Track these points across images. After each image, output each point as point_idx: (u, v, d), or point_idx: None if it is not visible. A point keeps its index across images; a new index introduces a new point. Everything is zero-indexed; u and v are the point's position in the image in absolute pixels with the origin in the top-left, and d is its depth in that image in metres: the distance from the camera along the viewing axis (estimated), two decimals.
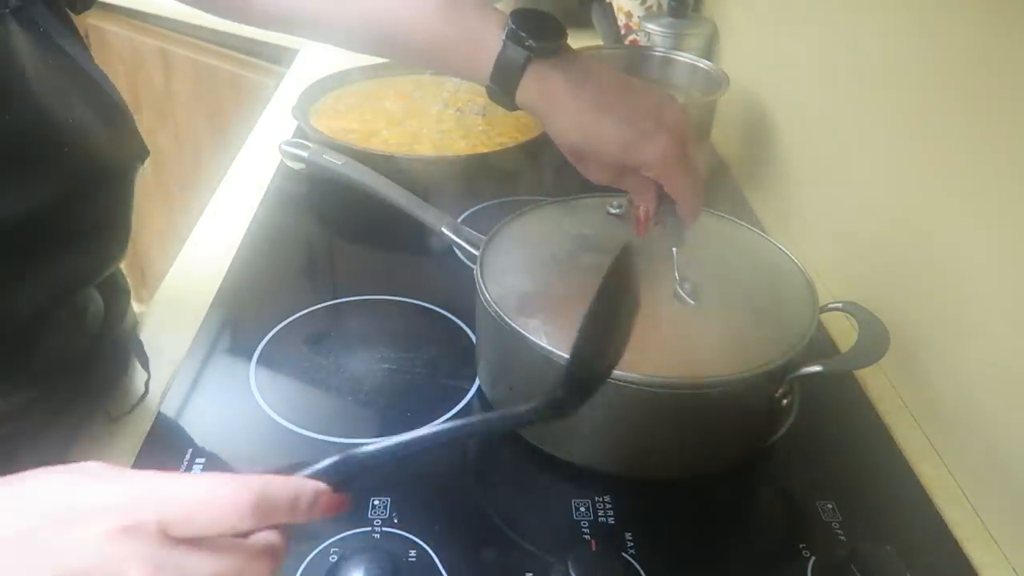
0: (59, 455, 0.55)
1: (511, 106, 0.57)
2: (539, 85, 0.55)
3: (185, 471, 0.54)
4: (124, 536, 0.28)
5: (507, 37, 0.54)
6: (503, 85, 0.55)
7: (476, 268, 0.58)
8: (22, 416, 0.51)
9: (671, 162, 0.54)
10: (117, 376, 0.60)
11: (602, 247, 0.61)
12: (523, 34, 0.53)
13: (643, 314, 0.56)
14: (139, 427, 0.58)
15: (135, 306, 0.66)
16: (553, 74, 0.55)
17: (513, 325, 0.53)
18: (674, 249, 0.57)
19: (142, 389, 0.60)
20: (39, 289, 0.49)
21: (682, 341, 0.54)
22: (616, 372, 0.59)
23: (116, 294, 0.60)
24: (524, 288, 0.57)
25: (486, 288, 0.56)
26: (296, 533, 0.47)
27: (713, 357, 0.52)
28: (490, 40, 0.55)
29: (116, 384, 0.60)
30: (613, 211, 0.64)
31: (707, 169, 0.61)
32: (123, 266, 0.60)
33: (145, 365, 0.59)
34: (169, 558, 0.29)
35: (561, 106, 0.55)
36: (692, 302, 0.55)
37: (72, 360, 0.54)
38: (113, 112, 0.51)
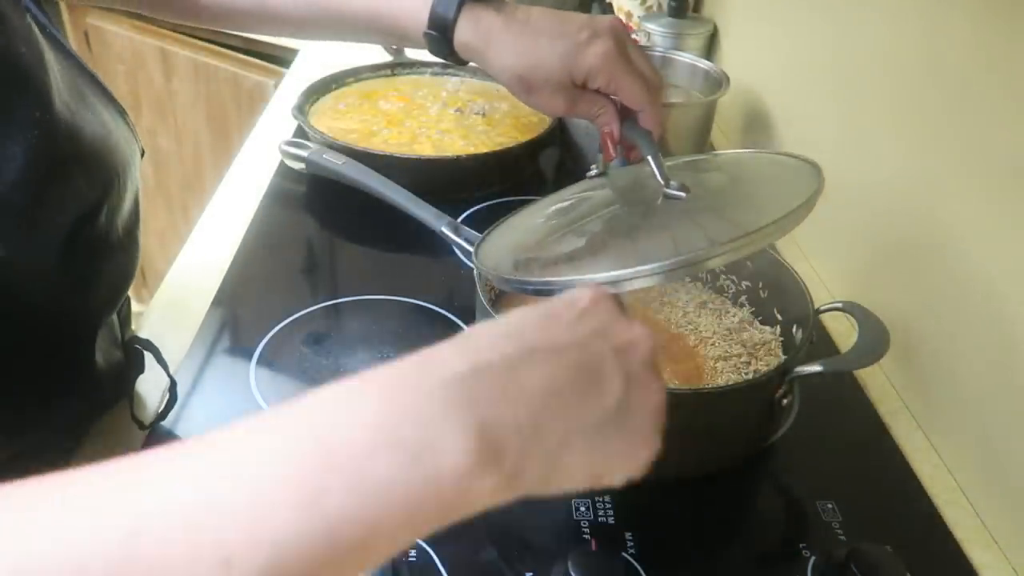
0: (62, 455, 0.55)
1: (450, 52, 0.60)
2: (474, 24, 0.59)
3: None
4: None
5: None
6: (440, 30, 0.59)
7: (475, 267, 0.58)
8: (77, 431, 0.51)
9: (615, 65, 0.56)
10: (134, 382, 0.61)
11: (593, 217, 0.60)
12: None
13: (643, 221, 0.55)
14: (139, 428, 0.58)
15: (136, 306, 0.66)
16: (486, 12, 0.59)
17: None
18: (649, 157, 0.56)
19: (153, 392, 0.59)
20: (98, 295, 0.49)
21: (688, 230, 0.52)
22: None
23: (125, 303, 0.60)
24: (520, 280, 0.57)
25: (480, 289, 0.56)
26: None
27: (721, 231, 0.48)
28: None
29: (132, 390, 0.60)
30: (592, 174, 0.63)
31: (661, 76, 0.61)
32: None
33: (167, 369, 0.59)
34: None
35: (497, 38, 0.58)
36: (683, 195, 0.53)
37: (109, 372, 0.54)
38: (119, 111, 0.51)
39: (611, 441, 0.30)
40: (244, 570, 0.22)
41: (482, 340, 0.31)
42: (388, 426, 0.25)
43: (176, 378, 0.62)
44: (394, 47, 1.07)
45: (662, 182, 0.54)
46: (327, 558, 0.23)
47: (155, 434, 0.57)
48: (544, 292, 0.48)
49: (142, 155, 0.54)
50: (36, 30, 0.44)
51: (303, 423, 0.25)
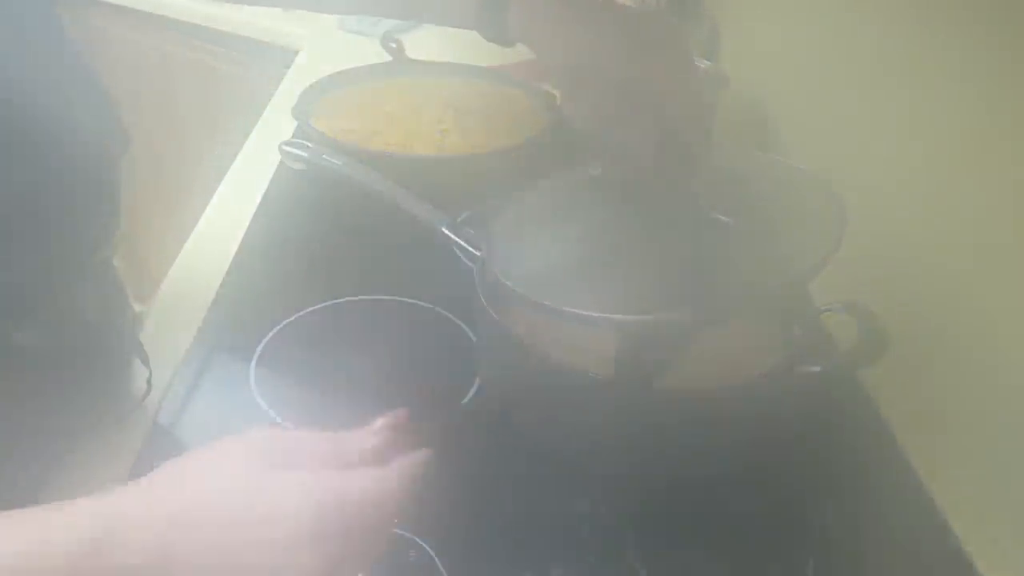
0: (60, 456, 0.55)
1: (504, 37, 0.56)
2: (531, 7, 0.55)
3: None
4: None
5: None
6: (494, 12, 0.55)
7: (476, 268, 0.58)
8: (14, 412, 0.50)
9: (678, 76, 0.53)
10: (116, 375, 0.60)
11: (596, 230, 0.60)
12: None
13: (693, 246, 0.55)
14: (139, 428, 0.58)
15: (136, 306, 0.65)
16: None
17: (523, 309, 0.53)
18: (692, 183, 0.55)
19: (144, 388, 0.59)
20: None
21: (742, 256, 0.53)
22: (618, 373, 0.58)
23: (110, 290, 0.58)
24: (523, 285, 0.57)
25: (485, 288, 0.56)
26: None
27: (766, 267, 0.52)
28: None
29: (116, 384, 0.60)
30: (593, 173, 0.62)
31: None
32: (118, 263, 0.59)
33: (145, 361, 0.59)
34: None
35: (557, 25, 0.54)
36: (730, 220, 0.53)
37: (62, 351, 0.52)
38: (103, 100, 0.50)
39: None
40: None
41: (200, 497, 0.34)
42: None
43: (176, 378, 0.62)
44: (393, 45, 1.07)
45: (708, 209, 0.54)
46: None
47: (156, 435, 0.57)
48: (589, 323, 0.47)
49: (127, 144, 0.52)
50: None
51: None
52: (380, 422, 0.40)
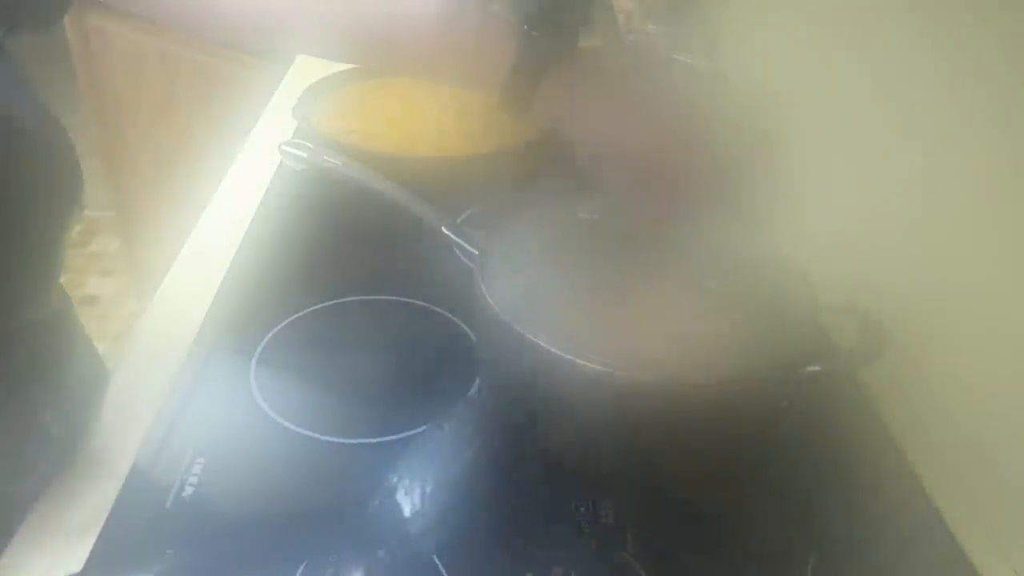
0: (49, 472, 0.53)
1: (523, 111, 0.55)
2: (560, 90, 0.54)
3: (185, 470, 0.54)
4: None
5: (519, 41, 0.53)
6: (521, 89, 0.54)
7: (475, 268, 0.58)
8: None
9: (692, 151, 0.54)
10: (61, 426, 0.55)
11: (597, 244, 0.61)
12: (535, 34, 0.52)
13: (674, 300, 0.57)
14: (139, 428, 0.58)
15: (136, 305, 0.65)
16: (570, 75, 0.54)
17: (513, 325, 0.53)
18: (690, 245, 0.57)
19: (110, 443, 0.57)
20: None
21: (720, 326, 0.56)
22: (619, 370, 0.58)
23: (47, 343, 0.53)
24: (523, 287, 0.57)
25: (485, 288, 0.56)
26: (296, 533, 0.47)
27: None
28: (498, 45, 0.53)
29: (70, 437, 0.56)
30: (586, 216, 0.63)
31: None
32: (78, 307, 0.56)
33: (83, 430, 0.56)
34: None
35: (581, 106, 0.54)
36: (714, 286, 0.56)
37: None
38: (66, 157, 0.46)
39: None
40: None
41: None
42: None
43: (176, 378, 0.62)
44: None
45: (696, 271, 0.57)
46: None
47: (156, 436, 0.57)
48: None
49: (79, 197, 0.49)
50: None
51: None
52: None
